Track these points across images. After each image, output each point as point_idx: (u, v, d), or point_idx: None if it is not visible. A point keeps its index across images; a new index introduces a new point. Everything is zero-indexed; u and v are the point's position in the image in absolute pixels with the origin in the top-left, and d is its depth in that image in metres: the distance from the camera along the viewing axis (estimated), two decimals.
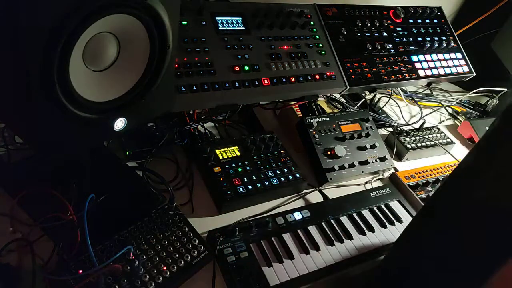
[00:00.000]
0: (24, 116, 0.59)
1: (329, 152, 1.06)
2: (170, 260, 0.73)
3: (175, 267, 0.72)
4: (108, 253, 0.69)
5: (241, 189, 0.89)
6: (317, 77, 1.08)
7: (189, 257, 0.74)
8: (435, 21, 1.45)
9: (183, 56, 0.91)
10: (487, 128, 1.41)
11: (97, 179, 0.83)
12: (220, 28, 1.00)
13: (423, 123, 1.37)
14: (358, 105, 1.36)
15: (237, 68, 0.97)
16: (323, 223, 0.92)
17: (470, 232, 0.53)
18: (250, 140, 1.01)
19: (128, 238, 0.74)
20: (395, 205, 1.04)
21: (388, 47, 1.26)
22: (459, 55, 1.43)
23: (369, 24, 1.27)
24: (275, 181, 0.94)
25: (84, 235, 0.64)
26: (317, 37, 1.15)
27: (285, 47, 1.07)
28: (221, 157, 0.95)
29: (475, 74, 1.43)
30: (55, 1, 0.49)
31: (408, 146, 1.21)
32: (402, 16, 1.35)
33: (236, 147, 0.99)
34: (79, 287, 0.63)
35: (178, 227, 0.79)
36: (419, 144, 1.24)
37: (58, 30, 0.50)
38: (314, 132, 1.08)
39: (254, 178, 0.92)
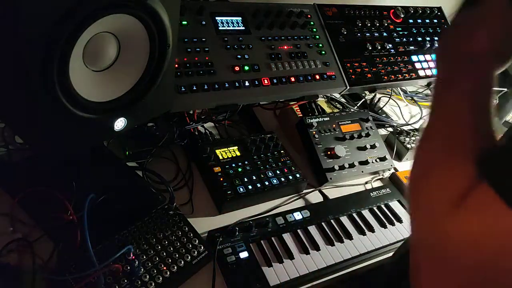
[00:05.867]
0: (24, 116, 0.59)
1: (329, 152, 1.06)
2: (170, 260, 0.73)
3: (175, 267, 0.72)
4: (108, 253, 0.69)
5: (241, 189, 0.89)
6: (317, 77, 1.08)
7: (189, 257, 0.74)
8: (435, 21, 1.45)
9: (183, 56, 0.91)
10: None
11: (97, 179, 0.83)
12: (220, 28, 1.00)
13: (423, 123, 1.36)
14: (358, 105, 1.36)
15: (237, 68, 0.97)
16: (323, 223, 0.92)
17: None
18: (250, 140, 1.01)
19: (128, 238, 0.73)
20: (395, 205, 1.04)
21: (388, 47, 1.26)
22: None
23: (369, 24, 1.27)
24: (275, 181, 0.94)
25: (84, 235, 0.64)
26: (317, 37, 1.15)
27: (285, 47, 1.07)
28: (221, 157, 0.95)
29: None
30: (55, 1, 0.49)
31: (408, 146, 1.21)
32: (402, 16, 1.35)
33: (236, 147, 0.99)
34: (79, 287, 0.63)
35: (178, 227, 0.79)
36: None
37: (58, 30, 0.50)
38: (314, 132, 1.07)
39: (254, 178, 0.92)
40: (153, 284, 0.68)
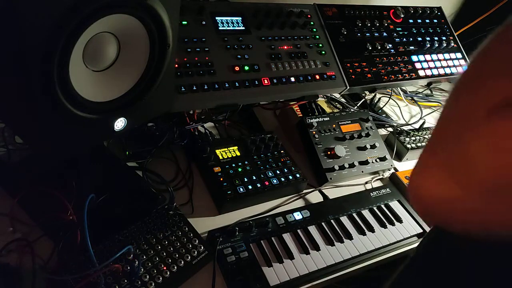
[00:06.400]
0: (24, 116, 0.59)
1: (329, 152, 1.06)
2: (170, 260, 0.73)
3: (175, 267, 0.72)
4: (108, 253, 0.69)
5: (241, 189, 0.89)
6: (317, 77, 1.08)
7: (189, 257, 0.74)
8: (435, 21, 1.45)
9: (183, 56, 0.91)
10: None
11: (97, 179, 0.83)
12: (220, 28, 1.00)
13: (423, 123, 1.37)
14: (358, 105, 1.36)
15: (237, 68, 0.97)
16: (323, 223, 0.92)
17: None
18: (250, 140, 1.01)
19: (128, 238, 0.73)
20: (395, 205, 1.04)
21: (388, 47, 1.26)
22: (459, 55, 1.43)
23: (369, 24, 1.27)
24: (275, 181, 0.94)
25: (84, 235, 0.64)
26: (317, 37, 1.15)
27: (285, 47, 1.07)
28: (221, 157, 0.95)
29: None
30: (55, 1, 0.49)
31: (408, 146, 1.21)
32: (402, 16, 1.35)
33: (236, 147, 0.99)
34: (79, 287, 0.63)
35: (178, 227, 0.79)
36: (419, 144, 1.24)
37: (58, 30, 0.50)
38: (314, 132, 1.08)
39: (254, 178, 0.92)
40: (153, 284, 0.68)
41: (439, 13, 1.46)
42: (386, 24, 1.31)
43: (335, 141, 1.09)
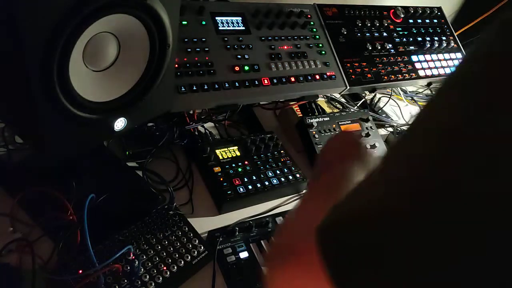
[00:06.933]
0: (24, 116, 0.59)
1: None
2: (170, 260, 0.73)
3: (175, 267, 0.72)
4: (108, 253, 0.69)
5: (241, 189, 0.89)
6: (317, 77, 1.08)
7: (189, 257, 0.74)
8: (435, 21, 1.45)
9: (183, 56, 0.91)
10: None
11: (97, 179, 0.83)
12: (220, 28, 1.00)
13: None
14: (358, 105, 1.36)
15: (237, 68, 0.97)
16: None
17: None
18: (250, 140, 1.01)
19: (128, 238, 0.73)
20: None
21: (388, 47, 1.26)
22: (459, 55, 1.43)
23: (369, 24, 1.27)
24: (275, 181, 0.94)
25: (84, 235, 0.64)
26: (317, 37, 1.15)
27: (285, 47, 1.07)
28: (221, 157, 0.95)
29: None
30: (55, 1, 0.49)
31: None
32: (402, 16, 1.35)
33: (236, 147, 0.99)
34: (79, 287, 0.63)
35: (178, 227, 0.79)
36: None
37: (58, 30, 0.50)
38: (314, 132, 1.08)
39: (254, 178, 0.92)
40: (153, 284, 0.68)
41: (439, 13, 1.46)
42: (386, 24, 1.31)
43: None
